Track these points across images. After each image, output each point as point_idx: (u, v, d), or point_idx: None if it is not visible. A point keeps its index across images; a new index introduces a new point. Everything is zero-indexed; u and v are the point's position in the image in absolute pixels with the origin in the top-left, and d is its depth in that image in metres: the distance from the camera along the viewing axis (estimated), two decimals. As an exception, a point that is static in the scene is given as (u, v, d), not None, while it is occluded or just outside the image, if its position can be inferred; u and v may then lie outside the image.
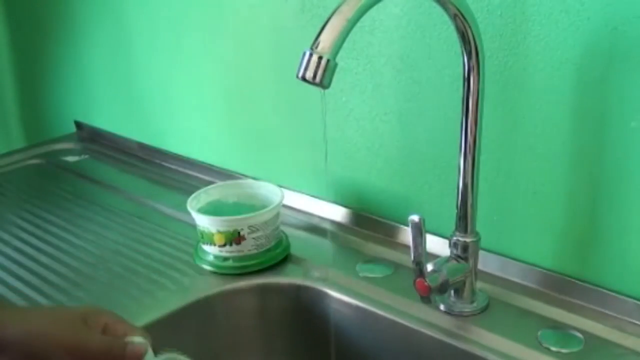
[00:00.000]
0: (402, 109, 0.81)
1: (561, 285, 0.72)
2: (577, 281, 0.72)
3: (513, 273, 0.76)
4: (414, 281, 0.66)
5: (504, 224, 0.76)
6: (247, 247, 0.80)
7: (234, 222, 0.79)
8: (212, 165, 1.09)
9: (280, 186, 0.86)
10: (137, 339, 0.56)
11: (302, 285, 0.79)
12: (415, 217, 0.63)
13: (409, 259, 0.66)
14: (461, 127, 0.66)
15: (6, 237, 0.94)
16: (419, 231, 0.63)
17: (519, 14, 0.68)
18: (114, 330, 0.57)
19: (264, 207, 0.82)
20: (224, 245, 0.80)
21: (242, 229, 0.79)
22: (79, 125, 1.34)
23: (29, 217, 1.00)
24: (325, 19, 0.53)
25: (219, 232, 0.79)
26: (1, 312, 0.58)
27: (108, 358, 0.54)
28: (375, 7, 0.54)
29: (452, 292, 0.71)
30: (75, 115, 1.35)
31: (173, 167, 1.16)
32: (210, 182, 0.99)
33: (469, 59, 0.63)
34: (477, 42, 0.62)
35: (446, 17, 0.61)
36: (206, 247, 0.82)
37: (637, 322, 0.68)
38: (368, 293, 0.76)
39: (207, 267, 0.81)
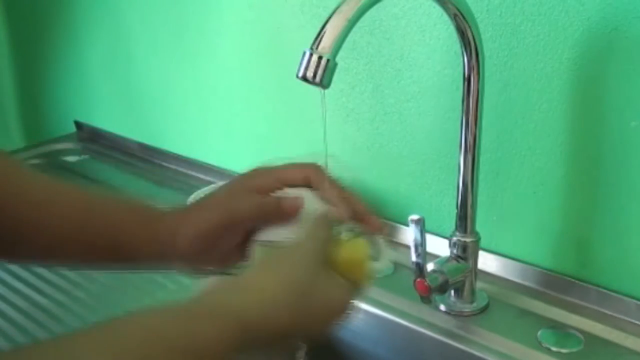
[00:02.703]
0: (402, 109, 0.81)
1: (561, 285, 0.72)
2: (577, 281, 0.72)
3: (513, 273, 0.76)
4: (414, 281, 0.66)
5: (503, 224, 0.76)
6: (247, 247, 0.80)
7: (234, 222, 0.79)
8: (212, 165, 1.09)
9: (280, 186, 0.86)
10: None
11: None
12: (415, 217, 0.63)
13: (408, 259, 0.66)
14: (461, 126, 0.65)
15: (6, 237, 0.94)
16: (419, 231, 0.63)
17: (519, 14, 0.68)
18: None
19: (264, 207, 0.81)
20: (224, 245, 0.80)
21: (242, 229, 0.79)
22: (79, 125, 1.34)
23: (29, 217, 1.00)
24: (326, 19, 0.53)
25: (219, 232, 0.79)
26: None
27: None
28: (375, 7, 0.54)
29: (452, 292, 0.71)
30: (75, 115, 1.34)
31: (173, 167, 1.16)
32: (210, 182, 0.99)
33: (469, 59, 0.63)
34: (477, 42, 0.62)
35: (446, 17, 0.61)
36: (206, 247, 0.82)
37: (637, 322, 0.68)
38: (368, 293, 0.76)
39: (207, 267, 0.81)
